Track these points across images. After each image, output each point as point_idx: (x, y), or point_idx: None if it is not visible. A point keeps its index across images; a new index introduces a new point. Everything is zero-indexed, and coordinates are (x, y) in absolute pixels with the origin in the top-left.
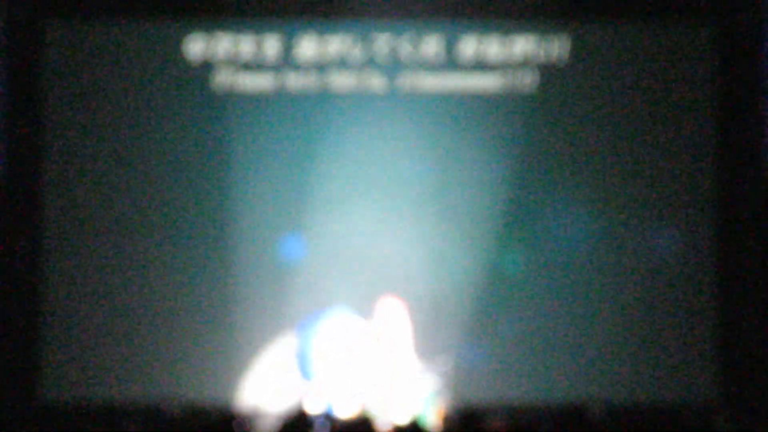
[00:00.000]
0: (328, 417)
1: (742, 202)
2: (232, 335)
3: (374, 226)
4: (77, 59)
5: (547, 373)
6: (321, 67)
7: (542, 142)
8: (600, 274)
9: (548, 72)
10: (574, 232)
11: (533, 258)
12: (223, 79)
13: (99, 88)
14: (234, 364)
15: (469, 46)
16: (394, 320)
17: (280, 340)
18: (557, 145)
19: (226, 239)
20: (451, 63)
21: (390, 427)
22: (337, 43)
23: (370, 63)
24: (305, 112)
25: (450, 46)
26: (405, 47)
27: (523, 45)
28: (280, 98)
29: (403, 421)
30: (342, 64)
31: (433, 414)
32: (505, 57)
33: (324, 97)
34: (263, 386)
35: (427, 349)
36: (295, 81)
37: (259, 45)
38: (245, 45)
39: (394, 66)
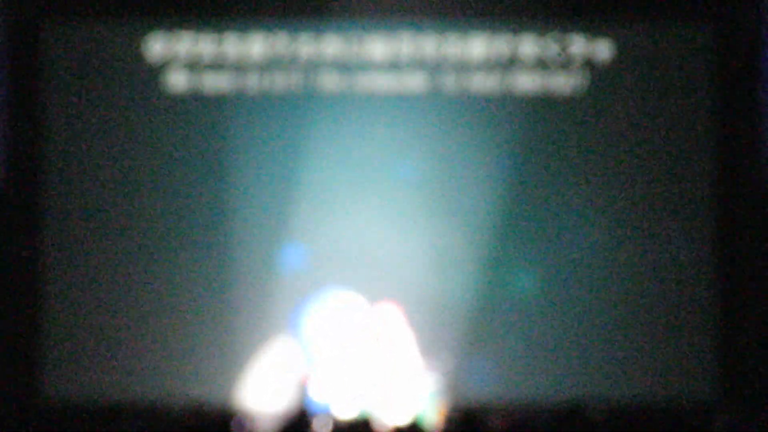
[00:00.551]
0: (327, 417)
1: (742, 202)
2: (232, 335)
3: (374, 228)
4: (76, 59)
5: (547, 372)
6: (319, 67)
7: (541, 144)
8: (600, 274)
9: (546, 73)
10: (574, 233)
11: (533, 258)
12: (220, 80)
13: (98, 89)
14: (234, 363)
15: (462, 46)
16: (394, 322)
17: (280, 340)
18: (556, 146)
19: (225, 240)
20: (414, 63)
21: (390, 427)
22: (366, 44)
23: (369, 63)
24: (292, 113)
25: (431, 46)
26: (431, 47)
27: (515, 47)
28: (266, 99)
29: (403, 421)
30: (337, 64)
31: (433, 414)
32: (502, 58)
33: (313, 98)
34: (263, 386)
35: (427, 349)
36: (283, 81)
37: (272, 46)
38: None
39: (393, 66)
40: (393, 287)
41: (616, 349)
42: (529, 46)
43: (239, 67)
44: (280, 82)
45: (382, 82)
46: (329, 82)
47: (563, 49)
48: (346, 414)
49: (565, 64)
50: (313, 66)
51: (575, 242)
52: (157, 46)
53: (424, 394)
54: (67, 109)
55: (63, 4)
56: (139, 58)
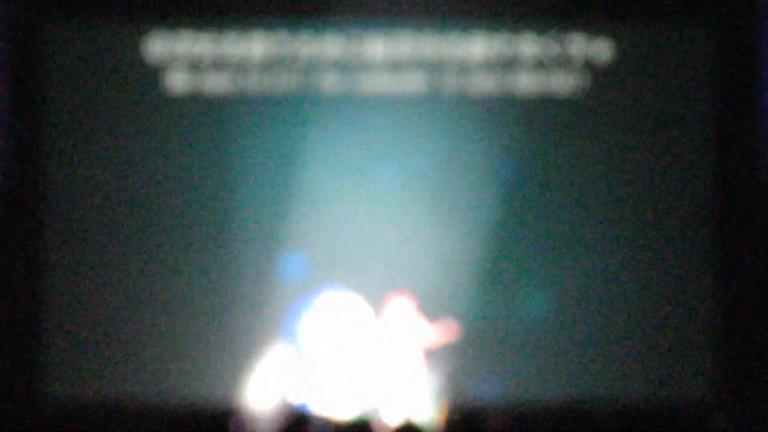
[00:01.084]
0: (326, 417)
1: (742, 202)
2: (232, 336)
3: (373, 228)
4: (76, 60)
5: (548, 372)
6: (321, 68)
7: (541, 144)
8: (600, 274)
9: (546, 74)
10: (574, 232)
11: (533, 258)
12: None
13: (98, 90)
14: (234, 364)
15: (460, 47)
16: (395, 320)
17: (280, 341)
18: (556, 146)
19: (226, 239)
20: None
21: (390, 428)
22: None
23: (369, 64)
24: (293, 114)
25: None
26: (432, 48)
27: (512, 47)
28: (267, 100)
29: (403, 421)
30: (338, 65)
31: (433, 414)
32: (502, 59)
33: (314, 99)
34: (263, 386)
35: (427, 349)
36: (284, 82)
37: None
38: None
39: (393, 67)
40: (393, 287)
41: (615, 349)
42: (529, 46)
43: (240, 68)
44: (281, 82)
45: (382, 83)
46: (331, 82)
47: (563, 49)
48: (346, 415)
49: (565, 64)
50: (315, 66)
51: (574, 242)
52: (157, 46)
53: (425, 393)
54: (68, 110)
55: (63, 4)
56: (139, 58)
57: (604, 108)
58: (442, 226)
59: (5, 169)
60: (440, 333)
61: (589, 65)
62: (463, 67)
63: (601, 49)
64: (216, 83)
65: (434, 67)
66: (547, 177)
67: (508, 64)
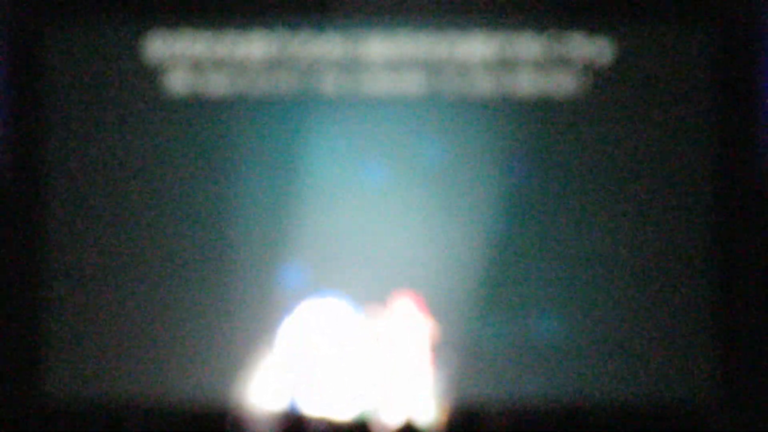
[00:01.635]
0: (325, 418)
1: (742, 203)
2: (232, 336)
3: (373, 228)
4: (76, 61)
5: (548, 373)
6: (322, 68)
7: (540, 144)
8: (599, 274)
9: (546, 74)
10: (573, 233)
11: (533, 259)
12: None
13: (98, 91)
14: (233, 364)
15: (458, 47)
16: (395, 320)
17: (278, 341)
18: (556, 147)
19: (226, 241)
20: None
21: (389, 428)
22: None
23: (361, 64)
24: (294, 114)
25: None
26: (435, 48)
27: (509, 47)
28: (267, 101)
29: (403, 421)
30: (339, 66)
31: (433, 414)
32: (502, 59)
33: (314, 99)
34: (261, 387)
35: (428, 349)
36: (285, 82)
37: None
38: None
39: (394, 67)
40: (394, 288)
41: (615, 349)
42: (529, 46)
43: (240, 68)
44: (282, 82)
45: (383, 83)
46: (331, 83)
47: (563, 50)
48: (345, 415)
49: (566, 65)
50: (316, 67)
51: (574, 242)
52: (156, 47)
53: (425, 393)
54: (67, 110)
55: (62, 4)
56: (138, 59)
57: (604, 108)
58: (442, 227)
59: (5, 169)
60: (440, 333)
61: (589, 65)
62: (464, 68)
63: (602, 50)
64: (216, 83)
65: (434, 68)
66: (547, 177)
67: (509, 65)
